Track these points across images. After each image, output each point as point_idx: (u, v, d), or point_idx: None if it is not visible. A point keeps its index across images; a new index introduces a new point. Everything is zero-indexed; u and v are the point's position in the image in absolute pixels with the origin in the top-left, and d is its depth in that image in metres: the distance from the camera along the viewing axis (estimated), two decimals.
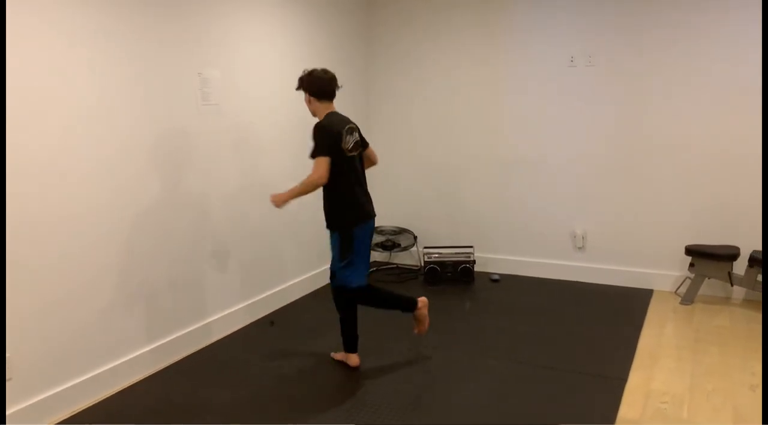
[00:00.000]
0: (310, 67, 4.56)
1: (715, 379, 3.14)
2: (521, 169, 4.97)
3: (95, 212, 3.00)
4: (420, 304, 3.41)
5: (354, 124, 3.24)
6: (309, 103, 3.23)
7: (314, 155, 3.09)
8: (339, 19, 4.90)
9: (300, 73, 3.27)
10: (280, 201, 3.22)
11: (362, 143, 3.31)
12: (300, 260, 4.63)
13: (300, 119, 4.46)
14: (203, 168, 3.64)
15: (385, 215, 5.61)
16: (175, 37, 3.38)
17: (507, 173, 5.04)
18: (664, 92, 4.42)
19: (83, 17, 2.87)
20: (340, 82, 3.29)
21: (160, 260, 3.39)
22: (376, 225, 5.40)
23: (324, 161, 3.06)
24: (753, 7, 4.09)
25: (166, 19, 3.30)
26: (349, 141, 3.15)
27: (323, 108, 3.22)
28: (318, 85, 3.19)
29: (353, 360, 3.36)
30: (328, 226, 3.24)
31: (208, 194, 3.69)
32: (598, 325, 3.90)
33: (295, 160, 4.45)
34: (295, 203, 4.47)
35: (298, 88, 3.25)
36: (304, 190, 3.12)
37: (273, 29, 4.15)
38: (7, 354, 2.64)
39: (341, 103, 5.00)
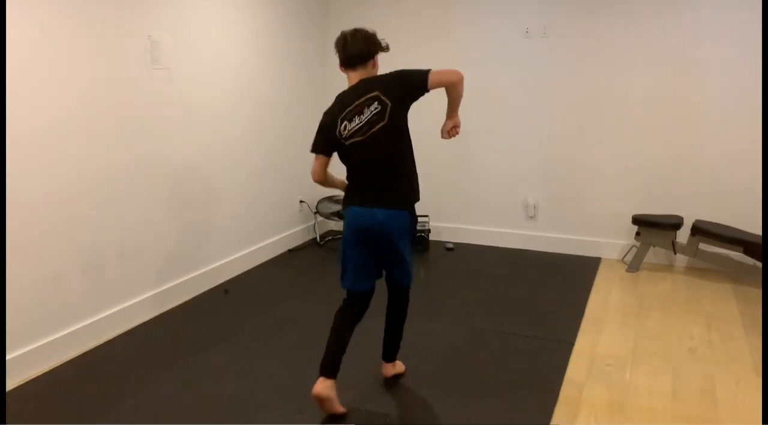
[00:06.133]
0: (263, 33, 4.46)
1: (656, 342, 3.28)
2: (475, 139, 5.01)
3: (39, 177, 2.89)
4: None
5: (370, 94, 2.52)
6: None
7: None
8: None
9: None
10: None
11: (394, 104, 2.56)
12: (255, 228, 4.58)
13: (254, 85, 4.37)
14: (155, 133, 3.54)
15: None
16: None
17: (461, 143, 5.06)
18: (615, 65, 4.50)
19: None
20: (361, 43, 2.56)
21: (109, 229, 3.31)
22: (331, 194, 5.28)
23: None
24: None
25: None
26: (346, 127, 2.49)
27: (349, 79, 2.56)
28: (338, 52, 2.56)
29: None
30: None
31: (158, 160, 3.59)
32: (548, 291, 4.01)
33: (248, 125, 4.37)
34: (251, 169, 4.42)
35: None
36: None
37: None
38: None
39: (297, 78, 4.93)
